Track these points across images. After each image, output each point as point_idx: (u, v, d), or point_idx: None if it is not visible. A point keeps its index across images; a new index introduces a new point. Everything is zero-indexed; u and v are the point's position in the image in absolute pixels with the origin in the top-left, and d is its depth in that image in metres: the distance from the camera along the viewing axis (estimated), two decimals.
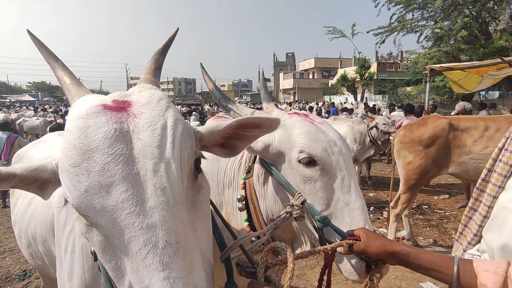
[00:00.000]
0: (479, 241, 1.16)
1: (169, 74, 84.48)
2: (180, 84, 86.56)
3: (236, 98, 56.58)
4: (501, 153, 1.09)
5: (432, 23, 12.28)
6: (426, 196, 5.85)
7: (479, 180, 1.18)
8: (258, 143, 1.05)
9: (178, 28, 1.06)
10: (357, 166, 6.54)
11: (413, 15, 12.58)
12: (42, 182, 0.69)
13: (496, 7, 10.67)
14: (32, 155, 1.86)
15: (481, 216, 1.13)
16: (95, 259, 0.80)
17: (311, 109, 13.95)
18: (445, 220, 4.75)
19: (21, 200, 1.55)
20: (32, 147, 1.97)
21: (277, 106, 1.32)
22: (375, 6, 13.11)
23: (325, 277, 0.98)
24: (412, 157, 3.60)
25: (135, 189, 0.56)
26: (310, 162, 0.98)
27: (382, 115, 8.26)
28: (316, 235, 0.97)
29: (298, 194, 0.98)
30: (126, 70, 66.69)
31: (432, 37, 12.52)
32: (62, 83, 0.83)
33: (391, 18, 13.11)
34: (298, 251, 1.11)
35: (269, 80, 71.97)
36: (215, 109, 20.06)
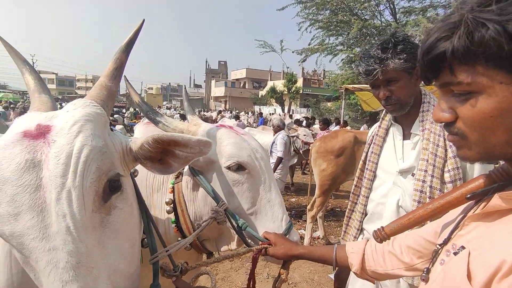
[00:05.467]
0: (361, 233, 1.51)
1: (89, 71, 76.55)
2: None
3: (164, 103, 54.30)
4: (366, 163, 1.46)
5: (344, 48, 14.07)
6: (339, 200, 6.64)
7: (353, 187, 1.55)
8: None
9: (144, 20, 0.98)
10: None
11: (329, 39, 14.20)
12: None
13: None
14: None
15: (360, 214, 1.48)
16: None
17: (237, 117, 14.34)
18: None
19: None
20: None
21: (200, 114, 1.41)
22: (299, 29, 14.37)
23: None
24: (326, 165, 4.12)
25: (40, 217, 0.62)
26: (238, 168, 1.13)
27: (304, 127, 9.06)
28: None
29: (222, 202, 1.11)
30: (33, 62, 58.40)
31: (347, 61, 14.30)
32: (28, 88, 0.85)
33: (312, 39, 14.51)
34: (223, 248, 1.26)
35: (200, 86, 71.25)
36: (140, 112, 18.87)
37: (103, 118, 0.79)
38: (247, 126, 12.30)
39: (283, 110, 28.96)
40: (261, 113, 20.71)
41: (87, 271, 0.63)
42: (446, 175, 1.21)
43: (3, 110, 12.38)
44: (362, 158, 1.50)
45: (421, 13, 13.19)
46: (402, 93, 1.27)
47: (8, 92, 35.31)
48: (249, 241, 1.13)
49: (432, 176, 1.21)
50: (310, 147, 6.80)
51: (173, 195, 1.25)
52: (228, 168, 1.14)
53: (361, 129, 10.88)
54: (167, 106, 37.75)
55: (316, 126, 9.81)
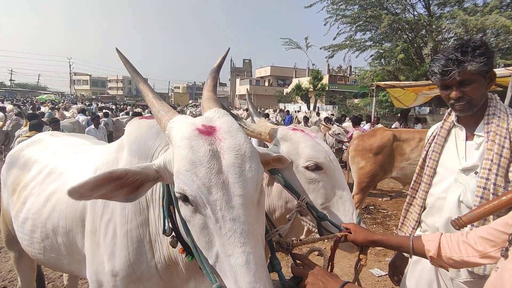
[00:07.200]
0: (419, 225, 1.62)
1: (119, 72, 79.69)
2: (130, 83, 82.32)
3: (190, 101, 55.63)
4: (426, 161, 1.56)
5: (374, 43, 13.76)
6: (372, 198, 6.63)
7: (412, 182, 1.65)
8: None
9: (229, 48, 1.30)
10: None
11: (356, 34, 13.92)
12: (139, 183, 0.90)
13: (427, 35, 12.38)
14: (30, 156, 1.92)
15: (419, 207, 1.59)
16: (165, 234, 1.06)
17: (266, 116, 14.40)
18: (387, 218, 5.49)
19: (33, 198, 1.63)
20: (27, 147, 2.01)
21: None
22: (324, 25, 14.23)
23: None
24: (364, 163, 4.20)
25: (223, 192, 0.81)
26: (316, 167, 1.27)
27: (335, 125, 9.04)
28: (314, 223, 1.28)
29: (303, 197, 1.24)
30: (70, 65, 61.90)
31: (377, 57, 13.98)
32: (145, 96, 1.05)
33: (338, 34, 14.29)
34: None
35: (225, 85, 72.08)
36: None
37: None
38: (275, 124, 12.38)
39: (308, 108, 28.73)
40: (287, 111, 20.70)
41: (253, 237, 0.82)
42: (511, 175, 1.28)
43: (49, 111, 13.35)
44: (422, 156, 1.59)
45: (457, 4, 12.60)
46: (475, 94, 1.33)
47: (49, 93, 37.75)
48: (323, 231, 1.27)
49: (496, 174, 1.28)
50: (343, 146, 6.85)
51: None
52: (306, 167, 1.27)
53: (393, 126, 10.67)
54: (195, 104, 38.46)
55: (346, 124, 9.75)
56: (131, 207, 1.24)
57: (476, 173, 1.36)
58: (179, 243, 1.07)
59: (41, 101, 25.07)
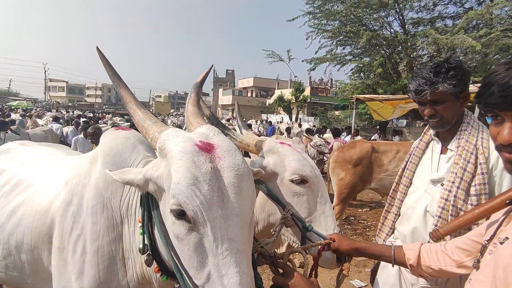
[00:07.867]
0: (393, 233, 1.68)
1: (98, 80, 77.85)
2: (110, 91, 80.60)
3: (172, 110, 55.05)
4: (404, 172, 1.64)
5: (353, 57, 14.27)
6: (352, 209, 6.72)
7: (391, 191, 1.72)
8: (256, 165, 1.30)
9: (212, 65, 1.34)
10: None
11: (337, 49, 14.40)
12: None
13: (403, 52, 12.99)
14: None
15: (394, 215, 1.66)
16: (143, 253, 1.00)
17: (249, 126, 14.49)
18: (367, 229, 5.56)
19: None
20: None
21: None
22: (306, 39, 14.64)
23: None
24: (344, 174, 4.26)
25: (222, 210, 0.81)
26: (302, 181, 1.27)
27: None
28: (295, 238, 1.27)
29: (288, 208, 1.24)
30: (45, 71, 59.86)
31: (356, 71, 14.48)
32: (126, 102, 1.02)
33: (319, 48, 14.72)
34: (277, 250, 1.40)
35: (208, 95, 71.99)
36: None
37: None
38: (258, 134, 12.44)
39: (290, 119, 29.09)
40: (270, 122, 20.85)
41: (246, 256, 0.81)
42: (472, 189, 1.34)
43: (20, 118, 12.73)
44: (402, 166, 1.67)
45: (429, 24, 13.36)
46: (446, 113, 1.40)
47: (21, 100, 36.18)
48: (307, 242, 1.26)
49: (458, 187, 1.35)
50: (324, 157, 6.93)
51: None
52: (292, 181, 1.27)
53: (372, 138, 10.97)
54: (177, 114, 37.97)
55: (327, 135, 9.93)
56: (103, 222, 1.18)
57: (442, 185, 1.42)
58: (154, 261, 1.02)
59: (12, 107, 23.98)
